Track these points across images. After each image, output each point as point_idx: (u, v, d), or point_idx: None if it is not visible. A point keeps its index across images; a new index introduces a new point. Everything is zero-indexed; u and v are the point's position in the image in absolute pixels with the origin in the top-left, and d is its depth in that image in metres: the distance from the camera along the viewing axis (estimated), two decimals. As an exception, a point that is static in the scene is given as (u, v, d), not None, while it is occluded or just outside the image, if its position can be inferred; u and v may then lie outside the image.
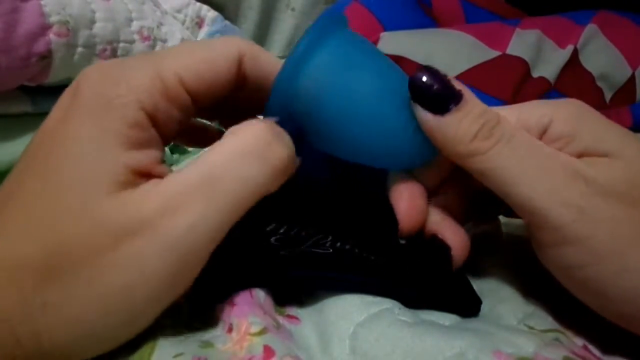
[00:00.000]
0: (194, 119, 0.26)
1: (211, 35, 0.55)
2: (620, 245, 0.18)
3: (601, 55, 0.50)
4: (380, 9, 0.53)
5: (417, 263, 0.24)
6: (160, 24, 0.43)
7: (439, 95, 0.20)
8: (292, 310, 0.22)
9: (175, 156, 0.45)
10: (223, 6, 0.64)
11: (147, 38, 0.41)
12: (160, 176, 0.19)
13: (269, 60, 0.22)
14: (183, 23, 0.52)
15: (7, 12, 0.31)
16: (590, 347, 0.20)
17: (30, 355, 0.17)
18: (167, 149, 0.44)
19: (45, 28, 0.33)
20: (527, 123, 0.21)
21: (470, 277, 0.24)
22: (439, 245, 0.22)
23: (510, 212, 0.23)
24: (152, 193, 0.17)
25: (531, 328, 0.21)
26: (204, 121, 0.27)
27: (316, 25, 0.21)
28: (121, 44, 0.39)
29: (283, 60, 0.22)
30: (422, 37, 0.50)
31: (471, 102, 0.20)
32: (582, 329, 0.20)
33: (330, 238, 0.24)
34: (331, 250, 0.23)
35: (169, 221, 0.17)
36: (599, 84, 0.50)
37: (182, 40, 0.45)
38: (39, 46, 0.32)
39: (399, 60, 0.48)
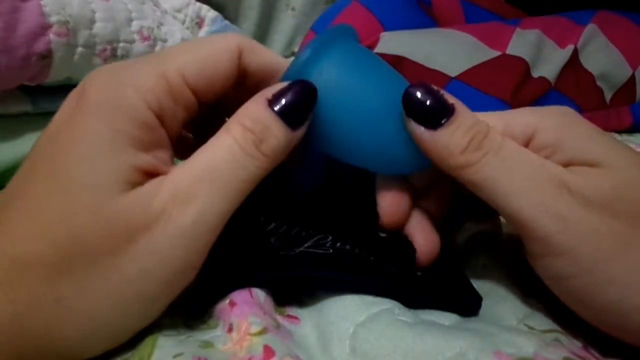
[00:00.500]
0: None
1: (211, 34, 0.55)
2: (605, 257, 0.18)
3: (601, 55, 0.50)
4: (380, 8, 0.53)
5: (417, 261, 0.24)
6: (160, 24, 0.43)
7: (432, 111, 0.20)
8: (292, 310, 0.22)
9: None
10: (223, 6, 0.64)
11: (147, 38, 0.41)
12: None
13: (268, 54, 0.22)
14: (183, 23, 0.52)
15: (7, 12, 0.31)
16: (590, 347, 0.20)
17: (42, 352, 0.17)
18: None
19: (45, 28, 0.33)
20: (512, 132, 0.21)
21: (471, 276, 0.24)
22: (406, 246, 0.23)
23: None
24: (162, 186, 0.18)
25: (531, 328, 0.21)
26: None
27: (325, 33, 0.22)
28: (121, 44, 0.39)
29: (282, 57, 0.22)
30: (422, 37, 0.50)
31: (462, 115, 0.20)
32: (582, 330, 0.20)
33: (330, 238, 0.24)
34: (331, 250, 0.23)
35: (179, 212, 0.18)
36: (599, 83, 0.50)
37: (182, 40, 0.45)
38: (39, 46, 0.33)
39: (399, 60, 0.48)
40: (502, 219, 0.28)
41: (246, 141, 0.19)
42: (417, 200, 0.24)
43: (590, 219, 0.19)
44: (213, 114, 0.24)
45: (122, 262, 0.18)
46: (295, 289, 0.23)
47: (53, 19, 0.33)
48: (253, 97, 0.20)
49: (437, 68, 0.47)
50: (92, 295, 0.17)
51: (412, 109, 0.21)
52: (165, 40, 0.43)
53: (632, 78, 0.50)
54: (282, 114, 0.20)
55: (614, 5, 0.53)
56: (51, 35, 0.33)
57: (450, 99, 0.21)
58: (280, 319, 0.21)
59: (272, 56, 0.22)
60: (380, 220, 0.23)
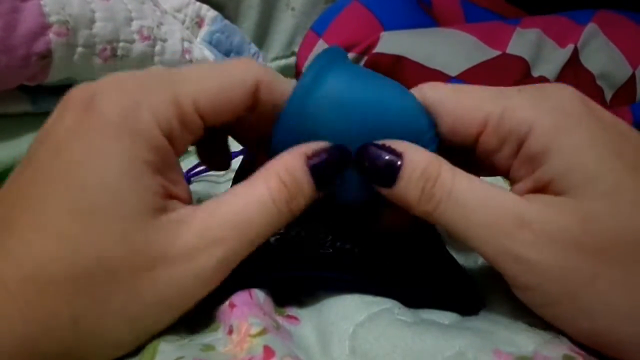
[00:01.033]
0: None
1: (211, 35, 0.55)
2: (572, 290, 0.18)
3: (601, 55, 0.50)
4: (380, 8, 0.53)
5: (418, 262, 0.24)
6: (160, 24, 0.43)
7: (382, 173, 0.21)
8: (292, 311, 0.22)
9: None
10: (223, 5, 0.63)
11: (147, 38, 0.41)
12: (181, 196, 0.20)
13: (284, 88, 0.22)
14: (183, 22, 0.52)
15: (7, 12, 0.31)
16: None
17: None
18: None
19: (45, 28, 0.33)
20: (505, 127, 0.21)
21: (470, 275, 0.24)
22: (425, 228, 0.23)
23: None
24: (191, 223, 0.19)
25: (531, 326, 0.21)
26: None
27: (322, 55, 0.22)
28: (121, 44, 0.39)
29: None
30: (422, 36, 0.50)
31: (411, 165, 0.20)
32: None
33: (330, 238, 0.24)
34: (331, 250, 0.23)
35: (205, 255, 0.19)
36: (599, 83, 0.50)
37: (182, 40, 0.45)
38: (39, 46, 0.32)
39: (399, 60, 0.48)
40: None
41: (280, 197, 0.20)
42: None
43: (553, 257, 0.18)
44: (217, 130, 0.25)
45: (143, 288, 0.18)
46: (295, 289, 0.23)
47: (53, 18, 0.33)
48: (291, 151, 0.21)
49: (437, 67, 0.47)
50: (110, 318, 0.18)
51: (366, 173, 0.21)
52: (165, 40, 0.43)
53: (633, 77, 0.50)
54: (315, 174, 0.20)
55: (614, 4, 0.53)
56: (51, 35, 0.33)
57: (399, 146, 0.21)
58: (280, 319, 0.21)
59: (287, 88, 0.22)
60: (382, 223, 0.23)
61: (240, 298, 0.21)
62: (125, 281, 0.18)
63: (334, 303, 0.22)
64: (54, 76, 0.35)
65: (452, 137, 0.22)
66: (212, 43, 0.54)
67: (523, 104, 0.21)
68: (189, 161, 0.43)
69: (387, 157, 0.21)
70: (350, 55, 0.50)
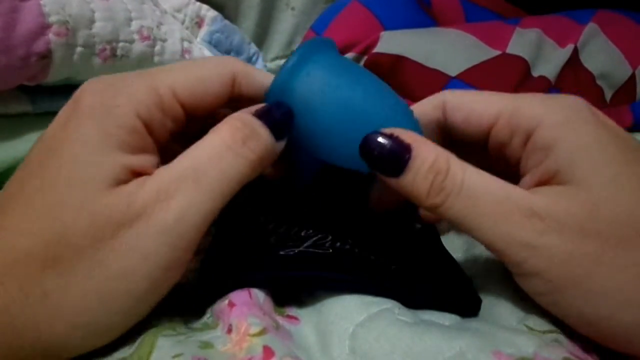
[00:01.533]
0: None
1: (211, 35, 0.55)
2: (577, 277, 0.19)
3: (601, 54, 0.50)
4: (380, 8, 0.53)
5: (418, 262, 0.24)
6: (160, 24, 0.43)
7: (390, 161, 0.21)
8: (292, 311, 0.22)
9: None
10: (223, 5, 0.63)
11: (146, 38, 0.41)
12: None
13: (261, 79, 0.23)
14: (183, 22, 0.52)
15: (7, 12, 0.31)
16: (590, 349, 0.20)
17: (29, 347, 0.18)
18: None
19: (44, 28, 0.33)
20: (517, 123, 0.22)
21: (470, 277, 0.24)
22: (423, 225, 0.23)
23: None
24: (145, 184, 0.19)
25: (531, 329, 0.21)
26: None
27: (308, 42, 0.23)
28: (121, 44, 0.39)
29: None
30: (422, 36, 0.50)
31: (420, 157, 0.21)
32: None
33: (330, 238, 0.24)
34: (331, 250, 0.23)
35: (162, 208, 0.18)
36: (599, 83, 0.50)
37: (182, 40, 0.45)
38: (39, 46, 0.32)
39: (398, 59, 0.48)
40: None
41: (234, 139, 0.20)
42: None
43: (561, 243, 0.19)
44: (205, 129, 0.25)
45: (106, 258, 0.18)
46: (295, 289, 0.23)
47: (52, 18, 0.33)
48: (239, 111, 0.22)
49: (437, 67, 0.47)
50: (77, 291, 0.18)
51: (372, 162, 0.21)
52: (164, 40, 0.43)
53: (633, 77, 0.50)
54: (266, 121, 0.21)
55: (614, 4, 0.53)
56: (51, 35, 0.33)
57: (408, 137, 0.21)
58: (279, 319, 0.21)
59: (266, 80, 0.23)
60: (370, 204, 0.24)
61: (239, 297, 0.21)
62: (88, 252, 0.18)
63: (334, 303, 0.22)
64: (54, 76, 0.35)
65: (465, 128, 0.24)
66: (212, 43, 0.54)
67: (534, 102, 0.22)
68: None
69: (395, 147, 0.21)
70: (350, 54, 0.50)
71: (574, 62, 0.50)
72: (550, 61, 0.49)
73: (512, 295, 0.23)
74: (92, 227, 0.18)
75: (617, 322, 0.19)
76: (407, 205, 0.23)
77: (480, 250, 0.27)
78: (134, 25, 0.40)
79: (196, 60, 0.24)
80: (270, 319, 0.20)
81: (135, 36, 0.40)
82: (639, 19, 0.51)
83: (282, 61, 0.67)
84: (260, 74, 0.24)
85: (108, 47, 0.38)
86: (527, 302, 0.22)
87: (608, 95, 0.51)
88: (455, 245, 0.28)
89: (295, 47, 0.68)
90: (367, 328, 0.20)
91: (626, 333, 0.19)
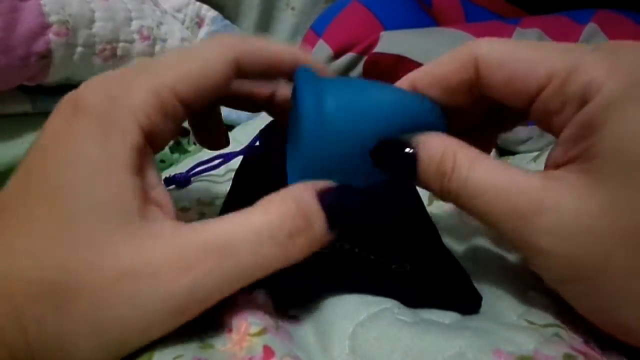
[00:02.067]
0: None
1: (211, 34, 0.55)
2: (583, 274, 0.18)
3: (601, 54, 0.50)
4: (380, 8, 0.53)
5: (418, 261, 0.24)
6: (160, 24, 0.43)
7: (401, 170, 0.21)
8: (292, 311, 0.22)
9: (175, 156, 0.45)
10: (223, 5, 0.64)
11: (146, 37, 0.41)
12: (160, 201, 0.19)
13: (267, 52, 0.22)
14: (183, 22, 0.52)
15: (7, 12, 0.31)
16: (591, 341, 0.20)
17: None
18: (167, 148, 0.44)
19: (44, 27, 0.33)
20: (573, 86, 0.18)
21: (470, 273, 0.24)
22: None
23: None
24: (166, 242, 0.17)
25: (531, 323, 0.21)
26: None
27: (302, 78, 0.21)
28: (121, 44, 0.39)
29: (282, 44, 0.22)
30: (422, 36, 0.50)
31: (424, 162, 0.20)
32: (582, 323, 0.20)
33: (330, 238, 0.24)
34: (331, 250, 0.23)
35: (175, 277, 0.17)
36: (599, 83, 0.50)
37: (182, 40, 0.45)
38: (39, 46, 0.33)
39: (399, 59, 0.48)
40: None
41: (282, 225, 0.18)
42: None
43: (568, 245, 0.18)
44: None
45: (104, 303, 0.17)
46: (294, 289, 0.23)
47: (53, 18, 0.33)
48: (302, 185, 0.19)
49: (437, 67, 0.47)
50: (69, 325, 0.17)
51: (387, 171, 0.21)
52: (165, 40, 0.43)
53: (633, 77, 0.50)
54: (329, 209, 0.19)
55: (614, 4, 0.53)
56: (51, 35, 0.33)
57: (412, 141, 0.21)
58: (279, 319, 0.21)
59: (271, 53, 0.22)
60: None
61: (240, 297, 0.20)
62: (88, 292, 0.17)
63: (334, 303, 0.22)
64: (54, 76, 0.35)
65: (506, 94, 0.20)
66: (212, 43, 0.54)
67: (596, 64, 0.18)
68: (188, 161, 0.43)
69: (402, 155, 0.21)
70: (350, 54, 0.50)
71: (574, 62, 0.50)
72: (550, 61, 0.49)
73: (512, 290, 0.23)
74: (99, 268, 0.17)
75: (629, 321, 0.18)
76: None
77: (480, 247, 0.27)
78: (134, 25, 0.40)
79: (194, 46, 0.21)
80: (270, 319, 0.20)
81: (136, 36, 0.40)
82: (639, 19, 0.51)
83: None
84: (263, 47, 0.22)
85: (108, 47, 0.38)
86: (527, 295, 0.22)
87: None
88: (454, 243, 0.28)
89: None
90: (367, 328, 0.20)
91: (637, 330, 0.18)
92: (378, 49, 0.49)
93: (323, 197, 0.19)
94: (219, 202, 0.33)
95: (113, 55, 0.38)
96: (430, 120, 0.22)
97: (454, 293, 0.23)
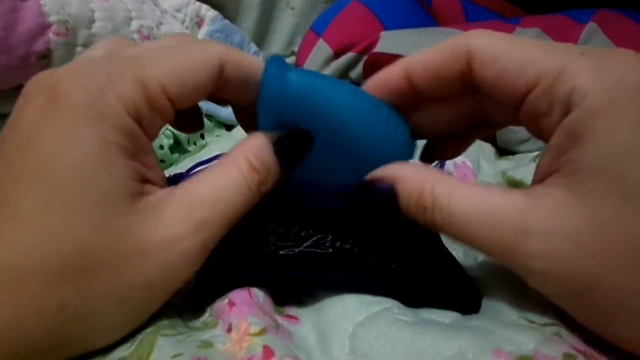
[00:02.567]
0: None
1: (211, 35, 0.55)
2: (575, 291, 0.18)
3: (601, 54, 0.50)
4: (380, 7, 0.53)
5: (418, 261, 0.24)
6: (159, 23, 0.43)
7: (384, 210, 0.22)
8: (292, 310, 0.22)
9: (175, 156, 0.45)
10: (223, 5, 0.64)
11: (146, 37, 0.41)
12: (156, 181, 0.20)
13: (249, 65, 0.22)
14: (182, 22, 0.52)
15: (7, 12, 0.31)
16: (591, 340, 0.20)
17: (42, 355, 0.18)
18: (167, 148, 0.44)
19: (44, 27, 0.33)
20: (560, 90, 0.18)
21: (469, 272, 0.24)
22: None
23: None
24: (171, 208, 0.19)
25: (531, 322, 0.21)
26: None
27: (270, 62, 0.22)
28: (121, 44, 0.39)
29: (263, 61, 0.22)
30: (422, 36, 0.50)
31: (403, 199, 0.21)
32: None
33: (330, 238, 0.24)
34: (331, 250, 0.23)
35: (189, 238, 0.19)
36: (599, 82, 0.50)
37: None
38: (38, 45, 0.33)
39: (398, 59, 0.48)
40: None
41: (252, 181, 0.21)
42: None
43: (559, 266, 0.18)
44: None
45: (127, 275, 0.18)
46: (295, 288, 0.23)
47: (52, 18, 0.33)
48: (259, 136, 0.22)
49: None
50: (97, 302, 0.18)
51: (370, 208, 0.22)
52: (164, 40, 0.43)
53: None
54: (281, 158, 0.21)
55: (614, 4, 0.53)
56: (50, 35, 0.33)
57: (388, 178, 0.21)
58: (279, 319, 0.21)
59: (254, 66, 0.22)
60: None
61: (239, 297, 0.21)
62: (109, 268, 0.18)
63: (334, 303, 0.22)
64: (54, 76, 0.35)
65: (496, 89, 0.20)
66: (212, 43, 0.54)
67: (584, 69, 0.18)
68: (188, 161, 0.43)
69: (382, 196, 0.21)
70: (350, 54, 0.50)
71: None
72: (550, 61, 0.49)
73: (512, 289, 0.23)
74: (113, 245, 0.18)
75: (624, 332, 0.18)
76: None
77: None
78: (134, 25, 0.40)
79: (181, 45, 0.22)
80: (270, 319, 0.20)
81: (135, 36, 0.40)
82: (639, 19, 0.51)
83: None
84: (247, 59, 0.23)
85: (108, 46, 0.38)
86: (526, 294, 0.22)
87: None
88: (454, 243, 0.28)
89: (295, 47, 0.68)
90: (367, 328, 0.20)
91: (634, 341, 0.18)
92: (378, 48, 0.49)
93: (277, 145, 0.22)
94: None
95: (113, 55, 0.38)
96: (388, 127, 0.22)
97: (454, 293, 0.23)
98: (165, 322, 0.20)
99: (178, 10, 0.53)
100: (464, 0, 0.59)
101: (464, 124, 0.24)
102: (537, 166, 0.20)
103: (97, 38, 0.37)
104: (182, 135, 0.45)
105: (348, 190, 0.23)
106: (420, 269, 0.24)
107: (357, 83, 0.52)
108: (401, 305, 0.22)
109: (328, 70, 0.52)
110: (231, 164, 0.21)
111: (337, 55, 0.51)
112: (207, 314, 0.21)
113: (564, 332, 0.20)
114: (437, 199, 0.20)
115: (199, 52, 0.21)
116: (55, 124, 0.18)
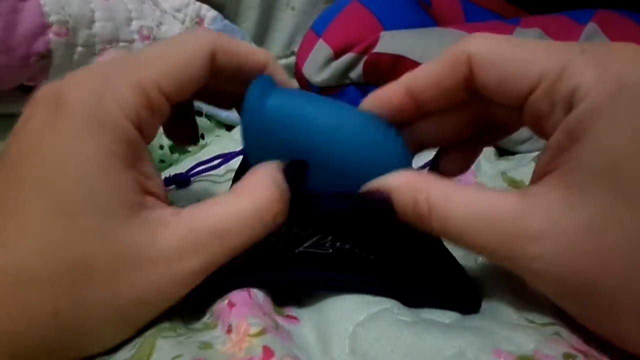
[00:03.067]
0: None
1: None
2: (575, 291, 0.18)
3: (601, 54, 0.50)
4: (380, 8, 0.53)
5: (418, 261, 0.24)
6: (160, 24, 0.43)
7: (383, 218, 0.21)
8: (292, 311, 0.22)
9: (175, 156, 0.45)
10: (223, 5, 0.64)
11: (146, 37, 0.41)
12: (156, 191, 0.20)
13: (241, 52, 0.23)
14: (183, 22, 0.52)
15: (7, 12, 0.31)
16: (591, 340, 0.20)
17: (37, 357, 0.18)
18: (167, 148, 0.44)
19: (44, 27, 0.33)
20: (561, 89, 0.18)
21: (470, 272, 0.24)
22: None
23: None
24: (172, 229, 0.19)
25: (531, 322, 0.21)
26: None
27: (258, 79, 0.23)
28: (121, 44, 0.39)
29: (253, 46, 0.23)
30: (422, 36, 0.50)
31: (400, 209, 0.21)
32: None
33: (330, 238, 0.24)
34: (331, 250, 0.23)
35: (186, 260, 0.19)
36: (599, 82, 0.50)
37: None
38: (39, 46, 0.33)
39: (399, 59, 0.48)
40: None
41: (269, 210, 0.20)
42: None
43: (559, 268, 0.18)
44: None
45: (123, 288, 0.18)
46: (294, 289, 0.23)
47: (53, 18, 0.33)
48: (270, 165, 0.22)
49: (437, 67, 0.47)
50: (90, 313, 0.18)
51: (372, 217, 0.22)
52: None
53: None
54: (292, 185, 0.21)
55: (614, 4, 0.53)
56: (51, 35, 0.33)
57: (384, 189, 0.21)
58: (279, 319, 0.21)
59: (245, 52, 0.23)
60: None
61: (239, 297, 0.21)
62: (104, 280, 0.18)
63: (334, 303, 0.22)
64: (54, 76, 0.35)
65: (498, 93, 0.20)
66: (212, 43, 0.54)
67: (586, 67, 0.18)
68: (188, 161, 0.43)
69: (378, 208, 0.21)
70: (350, 54, 0.50)
71: (574, 62, 0.50)
72: (550, 61, 0.49)
73: (512, 289, 0.23)
74: (111, 257, 0.18)
75: (624, 333, 0.18)
76: None
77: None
78: (134, 25, 0.40)
79: (172, 41, 0.22)
80: (270, 319, 0.20)
81: (135, 36, 0.40)
82: (639, 19, 0.51)
83: (282, 61, 0.66)
84: (238, 46, 0.23)
85: (108, 47, 0.38)
86: (526, 294, 0.22)
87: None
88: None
89: (295, 47, 0.68)
90: (367, 328, 0.20)
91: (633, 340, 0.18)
92: (378, 49, 0.49)
93: (287, 176, 0.21)
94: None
95: (113, 55, 0.38)
96: (377, 140, 0.22)
97: (453, 293, 0.23)
98: (165, 324, 0.20)
99: (178, 10, 0.53)
100: (464, 1, 0.59)
101: (468, 133, 0.24)
102: (536, 165, 0.20)
103: (97, 38, 0.37)
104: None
105: (348, 191, 0.23)
106: (420, 269, 0.24)
107: (357, 83, 0.52)
108: (401, 305, 0.22)
109: (328, 71, 0.52)
110: (246, 192, 0.21)
111: (337, 55, 0.51)
112: (207, 315, 0.21)
113: (564, 332, 0.20)
114: (433, 206, 0.20)
115: (189, 43, 0.21)
116: (57, 135, 0.18)
